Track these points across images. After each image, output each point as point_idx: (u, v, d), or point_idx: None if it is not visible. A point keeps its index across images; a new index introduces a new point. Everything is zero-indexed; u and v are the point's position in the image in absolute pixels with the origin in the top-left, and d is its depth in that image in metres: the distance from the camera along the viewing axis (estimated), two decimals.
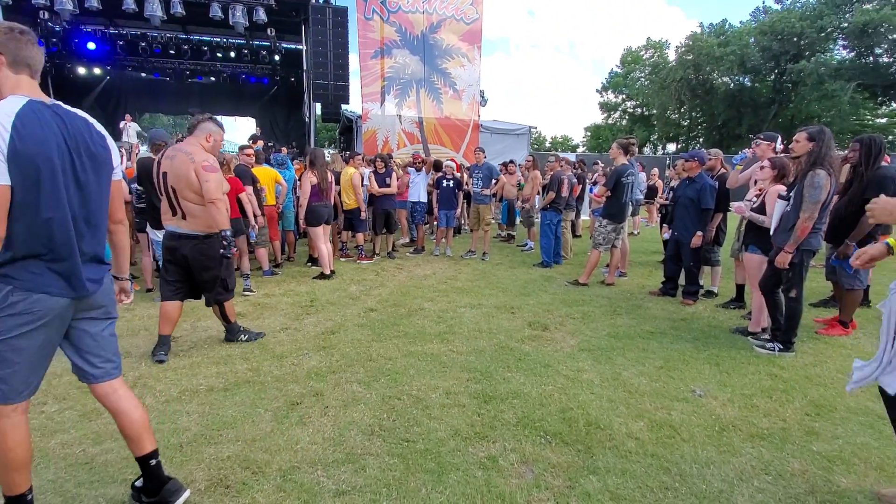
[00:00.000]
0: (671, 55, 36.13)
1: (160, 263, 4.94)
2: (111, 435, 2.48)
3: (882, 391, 1.96)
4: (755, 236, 4.09)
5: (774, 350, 3.65)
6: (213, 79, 18.60)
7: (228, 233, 3.28)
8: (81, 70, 17.11)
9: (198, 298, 3.66)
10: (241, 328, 3.86)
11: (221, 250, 3.31)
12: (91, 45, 16.09)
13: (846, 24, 26.35)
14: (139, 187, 4.90)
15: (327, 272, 5.95)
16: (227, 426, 2.57)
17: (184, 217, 3.32)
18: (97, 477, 2.16)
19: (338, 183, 6.57)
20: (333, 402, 2.85)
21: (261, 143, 9.66)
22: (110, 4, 12.44)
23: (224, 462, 2.26)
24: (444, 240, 7.86)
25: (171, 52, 16.93)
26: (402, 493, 2.07)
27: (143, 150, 13.60)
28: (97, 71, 17.50)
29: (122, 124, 12.78)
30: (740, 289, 4.93)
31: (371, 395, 2.94)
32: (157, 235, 4.77)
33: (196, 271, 3.45)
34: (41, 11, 13.23)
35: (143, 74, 18.06)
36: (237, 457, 2.30)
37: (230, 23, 12.91)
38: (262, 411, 2.73)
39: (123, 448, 2.35)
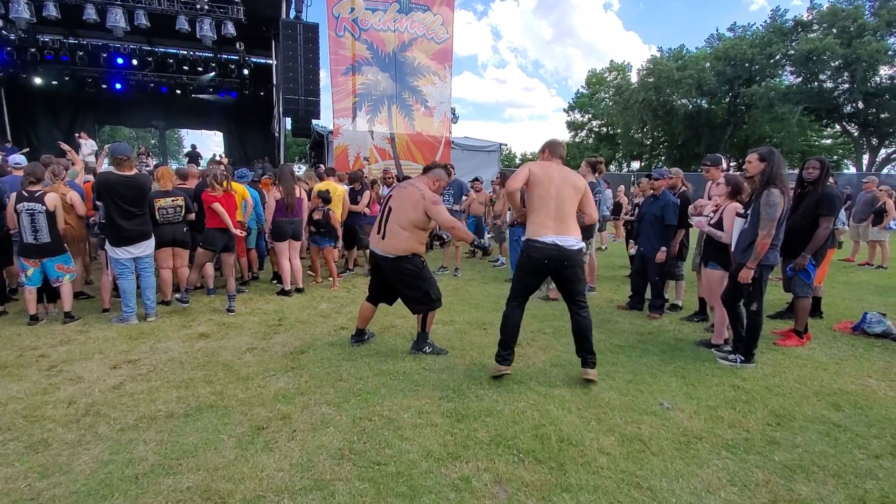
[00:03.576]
0: (633, 77, 37.67)
1: (118, 283, 4.76)
2: (60, 468, 2.32)
3: None
4: (715, 253, 4.25)
5: (736, 362, 3.77)
6: (178, 92, 18.17)
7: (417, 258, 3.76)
8: (38, 80, 16.41)
9: (390, 304, 4.08)
10: (429, 341, 4.00)
11: (419, 267, 3.76)
12: (49, 55, 15.48)
13: (793, 52, 28.15)
14: (100, 203, 4.70)
15: (287, 287, 5.84)
16: (188, 454, 2.45)
17: (384, 237, 3.73)
18: None
19: (310, 199, 6.48)
20: (302, 425, 2.76)
21: (226, 159, 9.53)
22: (70, 14, 12.04)
23: (183, 493, 2.14)
24: None
25: (135, 63, 16.48)
26: None
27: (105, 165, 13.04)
28: (55, 82, 16.82)
29: (78, 141, 12.27)
30: (703, 302, 5.10)
31: (341, 417, 2.86)
32: (116, 253, 4.56)
33: (394, 284, 3.86)
34: None
35: (104, 86, 17.46)
36: (198, 487, 2.18)
37: (197, 36, 12.70)
38: (226, 437, 2.62)
39: (73, 482, 2.21)
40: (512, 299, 3.42)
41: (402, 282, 3.79)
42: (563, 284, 3.37)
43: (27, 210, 4.35)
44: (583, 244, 3.26)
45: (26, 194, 4.39)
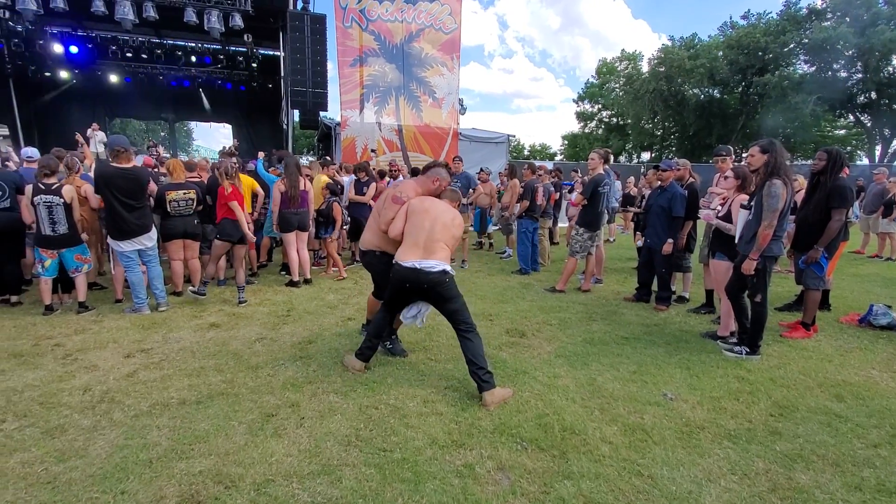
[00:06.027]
0: (644, 67, 37.14)
1: (126, 276, 4.83)
2: (76, 452, 2.40)
3: None
4: (721, 244, 4.24)
5: (742, 353, 3.77)
6: (187, 84, 18.25)
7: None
8: (47, 73, 16.55)
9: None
10: (394, 338, 3.85)
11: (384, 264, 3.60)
12: (57, 48, 15.57)
13: (806, 41, 27.60)
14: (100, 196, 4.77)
15: (296, 279, 5.91)
16: (200, 440, 2.52)
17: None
18: (60, 497, 2.08)
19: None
20: (310, 412, 2.83)
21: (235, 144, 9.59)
22: (78, 6, 12.10)
23: (196, 477, 2.22)
24: None
25: (144, 56, 16.55)
26: (379, 503, 2.07)
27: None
28: (64, 74, 16.95)
29: (87, 132, 12.39)
30: (710, 294, 5.09)
31: (348, 405, 2.92)
32: (120, 246, 4.60)
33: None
34: (1, 10, 12.73)
35: (114, 78, 17.57)
36: (209, 471, 2.26)
37: (205, 28, 12.73)
38: (236, 424, 2.69)
39: (88, 465, 2.29)
40: (387, 309, 3.45)
41: (374, 274, 3.85)
42: (436, 306, 3.30)
43: (45, 202, 4.43)
44: (446, 266, 3.19)
45: (42, 187, 4.45)
